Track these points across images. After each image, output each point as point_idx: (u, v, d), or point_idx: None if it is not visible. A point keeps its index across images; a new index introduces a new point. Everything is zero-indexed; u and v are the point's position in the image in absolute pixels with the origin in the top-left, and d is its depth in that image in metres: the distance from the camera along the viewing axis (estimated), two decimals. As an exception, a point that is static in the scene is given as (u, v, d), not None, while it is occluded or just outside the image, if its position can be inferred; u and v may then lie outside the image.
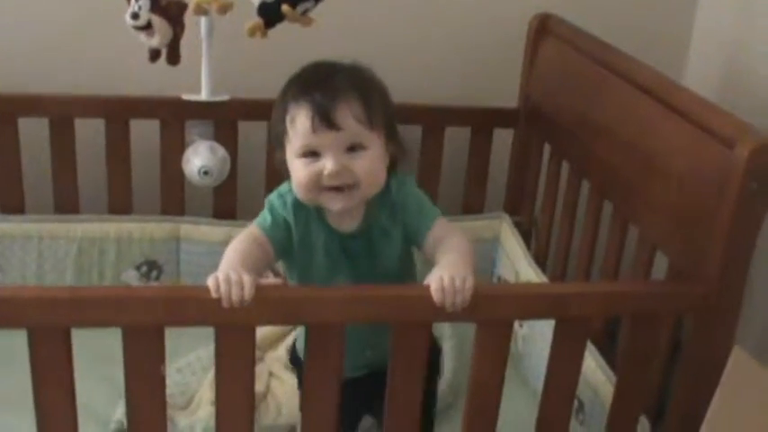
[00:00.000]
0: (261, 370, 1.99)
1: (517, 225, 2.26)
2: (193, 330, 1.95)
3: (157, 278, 2.17)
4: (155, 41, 1.86)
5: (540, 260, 2.13)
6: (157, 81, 2.05)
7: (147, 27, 1.84)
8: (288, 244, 1.50)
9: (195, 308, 1.28)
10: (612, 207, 1.79)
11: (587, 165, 1.89)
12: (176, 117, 2.12)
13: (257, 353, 1.98)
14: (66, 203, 2.14)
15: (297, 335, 1.74)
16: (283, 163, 1.48)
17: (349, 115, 1.39)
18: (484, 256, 2.29)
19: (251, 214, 2.15)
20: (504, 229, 2.27)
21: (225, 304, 1.28)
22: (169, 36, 1.86)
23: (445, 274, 1.34)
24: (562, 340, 1.41)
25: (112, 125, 2.10)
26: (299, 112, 1.39)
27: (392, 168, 1.49)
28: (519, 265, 2.14)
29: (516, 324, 2.10)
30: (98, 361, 1.62)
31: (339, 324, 1.33)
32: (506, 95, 2.25)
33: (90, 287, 1.19)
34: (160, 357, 1.30)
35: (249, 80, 2.11)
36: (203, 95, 2.07)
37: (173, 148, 2.13)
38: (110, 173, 2.13)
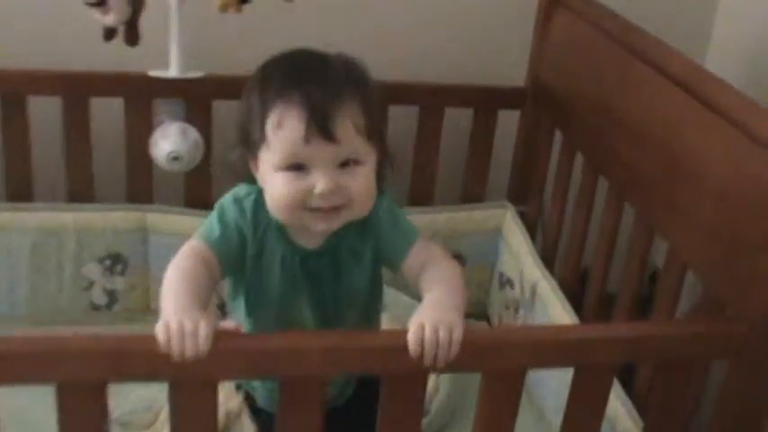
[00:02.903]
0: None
1: (522, 216, 2.04)
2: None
3: (122, 273, 1.96)
4: (110, 19, 1.61)
5: (548, 258, 1.92)
6: (121, 55, 1.81)
7: (102, 3, 1.59)
8: (238, 261, 1.29)
9: (144, 362, 1.07)
10: (635, 212, 1.57)
11: (605, 160, 1.67)
12: (142, 95, 1.89)
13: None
14: (19, 191, 1.91)
15: (229, 311, 1.53)
16: (243, 163, 1.27)
17: (350, 125, 1.17)
18: (484, 250, 2.09)
19: (227, 203, 1.97)
20: (508, 219, 2.06)
21: (176, 359, 1.07)
22: (127, 13, 1.62)
23: (427, 321, 1.12)
24: (582, 389, 1.20)
25: (70, 104, 1.87)
26: (289, 113, 1.17)
27: None
28: (523, 262, 1.93)
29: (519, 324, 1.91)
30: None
31: (320, 377, 1.12)
32: (513, 74, 2.02)
33: (15, 338, 1.00)
34: (102, 418, 1.09)
35: (224, 54, 1.90)
36: (172, 71, 1.85)
37: (138, 130, 1.90)
38: (68, 157, 1.91)
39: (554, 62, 1.92)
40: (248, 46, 1.93)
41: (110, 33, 1.67)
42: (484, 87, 2.01)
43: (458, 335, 1.11)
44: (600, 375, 1.21)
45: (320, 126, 1.15)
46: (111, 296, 1.96)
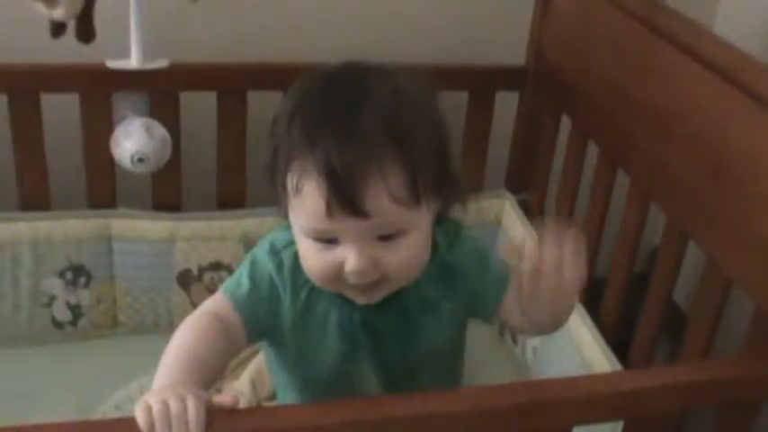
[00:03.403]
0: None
1: (523, 205, 1.87)
2: (135, 345, 1.56)
3: (86, 285, 1.76)
4: (58, 14, 1.39)
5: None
6: (75, 46, 1.59)
7: (48, -7, 1.36)
8: (271, 324, 1.09)
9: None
10: (666, 216, 1.40)
11: (625, 153, 1.50)
12: (100, 89, 1.68)
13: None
14: (-36, 201, 1.69)
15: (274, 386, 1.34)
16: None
17: (385, 197, 0.95)
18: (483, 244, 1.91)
19: (198, 205, 1.78)
20: (507, 209, 1.89)
21: None
22: (79, 5, 1.39)
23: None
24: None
25: (19, 101, 1.65)
26: (308, 179, 0.96)
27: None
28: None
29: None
30: None
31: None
32: (512, 51, 1.83)
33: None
34: None
35: (191, 41, 1.70)
36: (133, 62, 1.64)
37: (98, 128, 1.69)
38: (18, 161, 1.69)
39: (559, 38, 1.73)
40: (217, 31, 1.74)
41: (58, 29, 1.44)
42: (479, 67, 1.83)
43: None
44: (654, 427, 1.04)
45: (343, 202, 0.94)
46: (76, 311, 1.77)
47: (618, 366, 1.44)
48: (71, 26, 1.49)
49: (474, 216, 1.84)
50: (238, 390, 1.64)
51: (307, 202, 0.96)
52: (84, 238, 1.73)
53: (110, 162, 1.72)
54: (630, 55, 1.47)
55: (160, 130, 1.70)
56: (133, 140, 1.67)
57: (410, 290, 1.07)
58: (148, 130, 1.68)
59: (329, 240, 0.98)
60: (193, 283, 1.78)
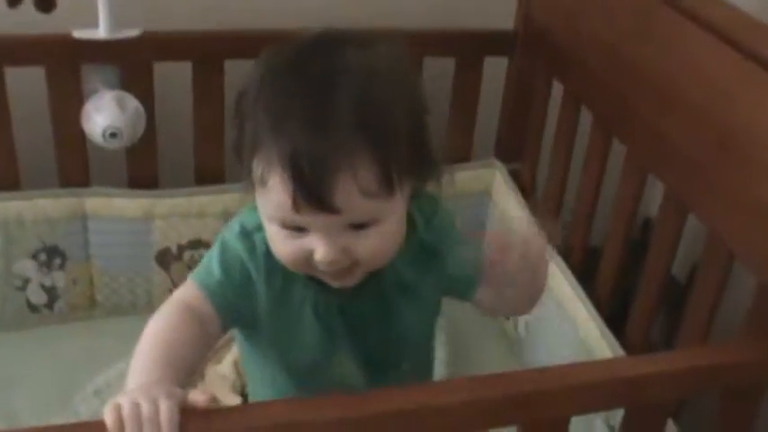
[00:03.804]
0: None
1: (514, 175, 1.81)
2: (113, 328, 1.50)
3: (62, 266, 1.69)
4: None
5: (547, 224, 1.69)
6: (39, 15, 1.51)
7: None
8: (246, 311, 1.02)
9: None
10: (665, 187, 1.34)
11: (620, 121, 1.43)
12: (68, 62, 1.59)
13: (196, 368, 1.55)
14: (-71, 182, 1.61)
15: (246, 378, 1.28)
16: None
17: (355, 191, 0.88)
18: (471, 215, 1.85)
19: (176, 180, 1.70)
20: (498, 180, 1.82)
21: None
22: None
23: None
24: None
25: (-19, 76, 1.57)
26: (273, 171, 0.88)
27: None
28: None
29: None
30: None
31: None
32: (500, 14, 1.75)
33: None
34: None
35: (163, 7, 1.62)
36: (102, 31, 1.56)
37: (67, 103, 1.61)
38: (-16, 139, 1.61)
39: (548, 0, 1.65)
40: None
41: (14, -2, 1.35)
42: (466, 32, 1.75)
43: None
44: (654, 414, 0.99)
45: (310, 199, 0.87)
46: (51, 294, 1.70)
47: (614, 343, 1.39)
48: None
49: (463, 186, 1.81)
50: (221, 373, 1.58)
51: (272, 194, 0.89)
52: (57, 218, 1.66)
53: (81, 138, 1.64)
54: (626, 18, 1.40)
55: (133, 103, 1.61)
56: (104, 115, 1.58)
57: (387, 272, 1.00)
58: (120, 104, 1.60)
59: (297, 228, 0.92)
60: (173, 262, 1.71)
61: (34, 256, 1.66)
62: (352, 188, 0.87)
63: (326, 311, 1.03)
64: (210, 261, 1.01)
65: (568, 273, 1.54)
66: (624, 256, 1.48)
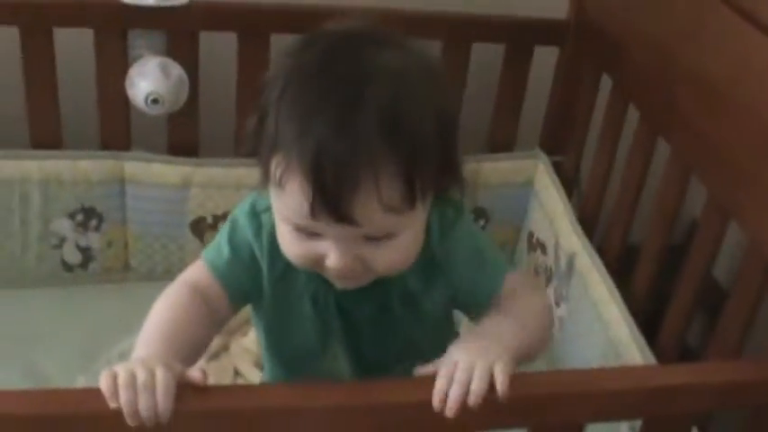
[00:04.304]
0: (225, 364, 1.56)
1: (557, 167, 1.77)
2: (145, 292, 1.50)
3: (98, 228, 1.70)
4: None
5: (586, 220, 1.66)
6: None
7: None
8: (253, 290, 1.01)
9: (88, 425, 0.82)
10: (708, 191, 1.30)
11: (668, 120, 1.39)
12: (115, 26, 1.59)
13: (220, 339, 1.56)
14: (-27, 136, 1.62)
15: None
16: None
17: (376, 206, 0.84)
18: (512, 206, 1.83)
19: (216, 150, 1.70)
20: (540, 171, 1.79)
21: (130, 422, 0.82)
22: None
23: (463, 356, 0.86)
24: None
25: (30, 35, 1.57)
26: (291, 175, 0.85)
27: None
28: (559, 225, 1.67)
29: (551, 296, 1.67)
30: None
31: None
32: (553, 4, 1.72)
33: None
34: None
35: None
36: (151, -2, 1.55)
37: (112, 66, 1.61)
38: (30, 97, 1.62)
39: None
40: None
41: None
42: (518, 19, 1.71)
43: (502, 371, 0.85)
44: (677, 425, 0.96)
45: (329, 209, 0.84)
46: (86, 254, 1.71)
47: (644, 346, 1.36)
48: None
49: (505, 176, 1.78)
50: (246, 346, 1.58)
51: (289, 198, 0.87)
52: (96, 180, 1.67)
53: (124, 102, 1.64)
54: (679, 14, 1.36)
55: (177, 71, 1.61)
56: (148, 80, 1.59)
57: (393, 279, 0.97)
58: (164, 70, 1.60)
59: (310, 233, 0.90)
60: (207, 231, 1.71)
61: (71, 216, 1.68)
62: (374, 202, 0.84)
63: (325, 306, 1.01)
64: (221, 239, 1.01)
65: (605, 272, 1.51)
66: (663, 257, 1.45)
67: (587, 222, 1.65)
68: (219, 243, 1.01)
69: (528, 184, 1.81)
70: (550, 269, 1.69)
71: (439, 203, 0.95)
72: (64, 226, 1.68)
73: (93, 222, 1.69)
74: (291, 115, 0.85)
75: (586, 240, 1.59)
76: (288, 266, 0.98)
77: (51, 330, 1.61)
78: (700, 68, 1.30)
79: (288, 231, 0.91)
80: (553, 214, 1.70)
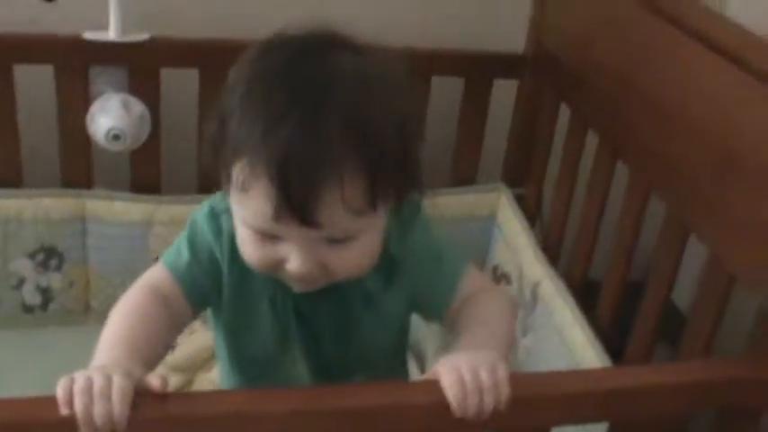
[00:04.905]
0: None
1: (519, 200, 1.79)
2: (69, 348, 1.50)
3: (59, 268, 1.68)
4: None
5: (550, 249, 1.67)
6: (51, 15, 1.52)
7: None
8: (213, 293, 1.01)
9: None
10: (666, 207, 1.32)
11: (626, 143, 1.42)
12: (77, 62, 1.60)
13: (182, 376, 1.53)
14: (-68, 175, 1.61)
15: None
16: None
17: (339, 208, 0.85)
18: (475, 239, 1.83)
19: (178, 187, 1.69)
20: (503, 204, 1.80)
21: (84, 430, 0.80)
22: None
23: (463, 362, 0.86)
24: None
25: (-9, 72, 1.57)
26: (255, 180, 0.85)
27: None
28: (523, 257, 1.68)
29: (518, 328, 1.67)
30: None
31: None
32: (510, 38, 1.74)
33: None
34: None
35: (173, 13, 1.62)
36: (111, 33, 1.57)
37: (74, 103, 1.61)
38: (-10, 135, 1.61)
39: (559, 24, 1.65)
40: (201, 5, 1.66)
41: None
42: (476, 53, 1.74)
43: (502, 375, 0.85)
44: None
45: (293, 212, 0.84)
46: (46, 295, 1.69)
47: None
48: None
49: (468, 209, 1.79)
50: (211, 380, 1.55)
51: (252, 201, 0.86)
52: (57, 219, 1.65)
53: (86, 139, 1.64)
54: (633, 38, 1.39)
55: (138, 107, 1.62)
56: (109, 116, 1.59)
57: (351, 281, 0.97)
58: (126, 106, 1.60)
59: (271, 236, 0.90)
60: (170, 269, 1.69)
61: (32, 256, 1.66)
62: (338, 204, 0.84)
63: (283, 309, 1.01)
64: (180, 243, 1.01)
65: (569, 297, 1.51)
66: (624, 289, 1.45)
67: (551, 252, 1.66)
68: (179, 246, 1.01)
69: (491, 218, 1.82)
70: (516, 301, 1.70)
71: (398, 210, 0.95)
72: (24, 266, 1.66)
73: (54, 262, 1.67)
74: (255, 119, 0.85)
75: (550, 268, 1.60)
76: (245, 270, 0.98)
77: (9, 373, 1.57)
78: (653, 90, 1.32)
79: (248, 236, 0.91)
80: (516, 246, 1.71)
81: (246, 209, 0.88)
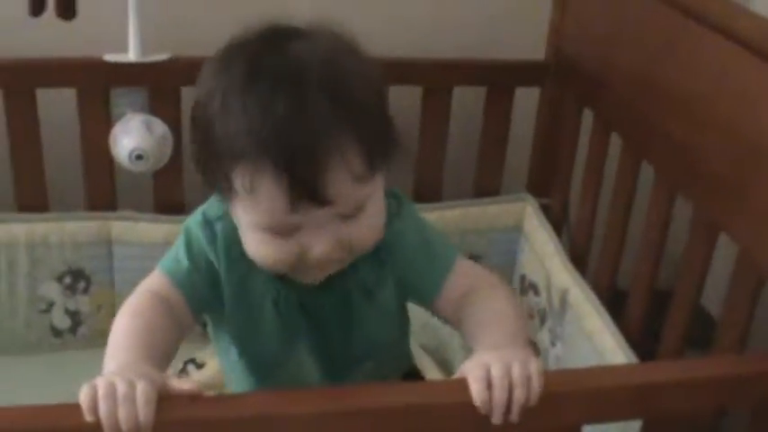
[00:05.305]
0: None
1: (545, 209, 1.77)
2: (99, 371, 1.52)
3: (86, 291, 1.69)
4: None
5: (578, 258, 1.64)
6: (71, 38, 1.54)
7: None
8: (213, 301, 1.02)
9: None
10: (693, 207, 1.30)
11: (651, 144, 1.40)
12: (98, 84, 1.61)
13: (211, 393, 1.52)
14: (-42, 201, 1.62)
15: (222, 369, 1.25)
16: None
17: (348, 179, 0.88)
18: (502, 250, 1.82)
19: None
20: (529, 214, 1.79)
21: None
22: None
23: (494, 359, 0.85)
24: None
25: (13, 97, 1.58)
26: (262, 177, 0.87)
27: None
28: (550, 264, 1.66)
29: (546, 338, 1.65)
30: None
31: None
32: (531, 45, 1.74)
33: None
34: None
35: (192, 33, 1.60)
36: (131, 55, 1.58)
37: (96, 125, 1.62)
38: (14, 160, 1.62)
39: (579, 29, 1.64)
40: (220, 22, 1.66)
41: (37, 6, 1.37)
42: (498, 62, 1.73)
43: (535, 369, 0.85)
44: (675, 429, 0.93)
45: (307, 194, 0.86)
46: (75, 318, 1.69)
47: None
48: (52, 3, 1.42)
49: (493, 221, 1.78)
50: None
51: (263, 199, 0.88)
52: (83, 242, 1.66)
53: (109, 161, 1.64)
54: (654, 36, 1.37)
55: (160, 127, 1.62)
56: (132, 137, 1.59)
57: (349, 272, 0.99)
58: (148, 127, 1.61)
59: (285, 231, 0.91)
60: (196, 288, 1.69)
61: (59, 279, 1.66)
62: (344, 174, 0.87)
63: (287, 307, 1.02)
64: (177, 251, 1.02)
65: (598, 304, 1.49)
66: (653, 294, 1.43)
67: (578, 260, 1.63)
68: (177, 254, 1.02)
69: (517, 228, 1.80)
70: (544, 309, 1.67)
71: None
72: (52, 289, 1.67)
73: (82, 285, 1.68)
74: (242, 120, 0.87)
75: (578, 275, 1.58)
76: (246, 273, 0.99)
77: (40, 399, 1.56)
78: (678, 88, 1.30)
79: (262, 239, 0.92)
80: (544, 255, 1.69)
81: (257, 210, 0.89)
